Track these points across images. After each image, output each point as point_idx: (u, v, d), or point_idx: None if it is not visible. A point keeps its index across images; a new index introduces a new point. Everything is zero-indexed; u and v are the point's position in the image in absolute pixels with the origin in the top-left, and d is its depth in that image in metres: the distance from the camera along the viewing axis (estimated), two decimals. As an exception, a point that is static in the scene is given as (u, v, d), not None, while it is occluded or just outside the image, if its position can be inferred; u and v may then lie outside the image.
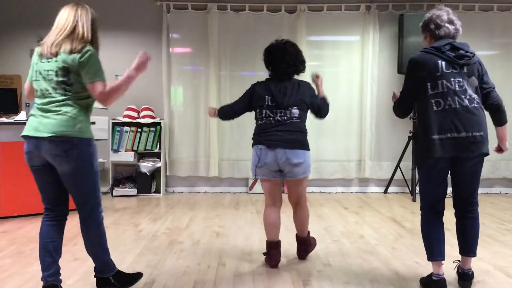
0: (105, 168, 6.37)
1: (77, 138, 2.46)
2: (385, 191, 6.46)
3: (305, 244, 3.42)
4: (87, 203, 2.58)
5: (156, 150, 6.26)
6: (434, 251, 2.73)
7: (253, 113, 3.35)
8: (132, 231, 4.27)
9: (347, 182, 6.56)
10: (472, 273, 2.85)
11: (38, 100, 2.52)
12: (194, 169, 6.45)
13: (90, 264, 3.16)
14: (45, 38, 2.54)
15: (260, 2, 6.31)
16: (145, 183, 6.21)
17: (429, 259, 2.77)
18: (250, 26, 6.32)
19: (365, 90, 6.36)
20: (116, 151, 6.15)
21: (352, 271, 3.18)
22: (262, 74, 3.37)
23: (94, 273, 2.74)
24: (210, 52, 6.32)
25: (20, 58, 6.22)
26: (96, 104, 2.63)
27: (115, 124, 6.19)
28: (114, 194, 6.12)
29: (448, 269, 2.94)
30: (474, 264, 2.83)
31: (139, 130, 6.20)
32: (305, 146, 3.18)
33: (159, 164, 6.22)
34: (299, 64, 3.28)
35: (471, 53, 2.69)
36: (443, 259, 2.74)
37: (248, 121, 3.39)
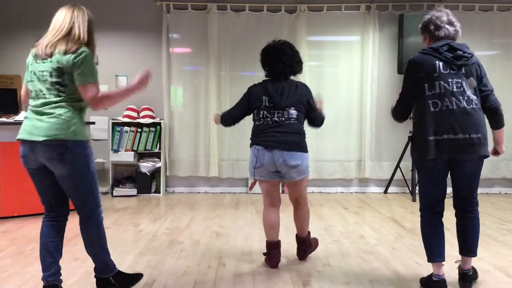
0: (105, 168, 6.38)
1: (72, 141, 2.44)
2: (385, 191, 6.46)
3: (305, 244, 3.41)
4: (86, 204, 2.57)
5: (156, 150, 6.26)
6: (434, 252, 2.73)
7: None
8: (132, 231, 4.27)
9: (347, 182, 6.56)
10: (473, 273, 2.85)
11: (32, 102, 2.51)
12: (194, 169, 6.45)
13: (90, 264, 3.16)
14: (41, 39, 2.54)
15: (260, 2, 6.31)
16: (145, 183, 6.21)
17: (429, 260, 2.76)
18: (250, 26, 6.32)
19: (365, 90, 6.37)
20: (116, 151, 6.15)
21: (352, 271, 3.18)
22: (262, 74, 3.36)
23: (94, 273, 2.74)
24: (210, 52, 6.32)
25: (20, 58, 6.20)
26: None
27: (115, 124, 6.19)
28: (114, 194, 6.13)
29: (448, 270, 2.94)
30: (474, 264, 2.83)
31: (139, 130, 6.20)
32: (302, 148, 3.17)
33: (159, 164, 6.22)
34: (296, 64, 3.26)
35: (469, 53, 2.68)
36: (443, 260, 2.74)
37: (248, 121, 3.39)
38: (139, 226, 4.47)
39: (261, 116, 3.20)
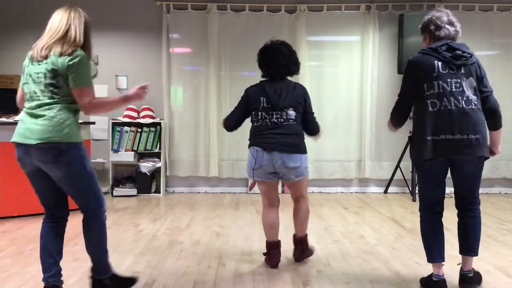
0: (105, 168, 6.38)
1: (65, 143, 2.42)
2: (385, 191, 6.46)
3: (302, 245, 3.38)
4: (88, 204, 2.57)
5: (156, 150, 6.26)
6: (434, 253, 2.72)
7: None
8: (132, 231, 4.27)
9: (347, 182, 6.56)
10: (475, 276, 2.78)
11: (26, 104, 2.50)
12: (194, 169, 6.45)
13: (88, 264, 3.16)
14: (37, 41, 2.53)
15: (260, 2, 6.31)
16: (145, 183, 6.21)
17: (429, 261, 2.76)
18: (250, 26, 6.31)
19: (365, 90, 6.36)
20: (116, 151, 6.15)
21: (352, 271, 3.18)
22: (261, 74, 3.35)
23: (91, 274, 2.72)
24: (210, 52, 6.32)
25: (20, 58, 6.10)
26: None
27: (115, 124, 6.19)
28: (114, 194, 6.12)
29: (448, 270, 2.94)
30: (474, 264, 2.82)
31: (139, 130, 6.20)
32: (301, 149, 3.16)
33: (159, 164, 6.22)
34: (292, 65, 3.24)
35: (468, 53, 2.67)
36: (443, 261, 2.73)
37: (248, 121, 3.38)
38: (139, 226, 4.47)
39: (259, 117, 3.19)
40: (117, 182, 6.20)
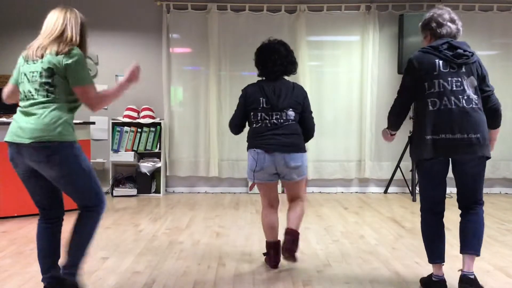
0: (105, 168, 6.38)
1: (58, 142, 2.39)
2: (385, 191, 6.46)
3: (293, 235, 3.11)
4: (88, 202, 2.54)
5: (156, 150, 6.26)
6: (435, 253, 2.71)
7: None
8: (132, 231, 4.27)
9: (347, 182, 6.56)
10: (476, 280, 2.66)
11: (21, 103, 2.50)
12: (194, 169, 6.45)
13: (89, 264, 3.16)
14: (33, 41, 2.53)
15: (260, 2, 6.31)
16: (145, 183, 6.21)
17: (429, 262, 2.75)
18: (250, 26, 6.31)
19: (365, 90, 6.36)
20: (116, 151, 6.15)
21: (352, 271, 3.17)
22: (260, 74, 3.34)
23: (64, 271, 2.56)
24: (210, 52, 6.32)
25: (20, 58, 6.21)
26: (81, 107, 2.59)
27: (115, 124, 6.19)
28: (114, 194, 6.12)
29: (448, 270, 2.94)
30: (474, 264, 2.80)
31: (139, 130, 6.20)
32: (302, 149, 3.15)
33: (159, 164, 6.22)
34: (289, 64, 3.22)
35: (469, 52, 2.65)
36: (443, 262, 2.72)
37: (248, 121, 3.38)
38: (139, 226, 4.47)
39: (258, 118, 3.17)
40: (117, 182, 6.20)
